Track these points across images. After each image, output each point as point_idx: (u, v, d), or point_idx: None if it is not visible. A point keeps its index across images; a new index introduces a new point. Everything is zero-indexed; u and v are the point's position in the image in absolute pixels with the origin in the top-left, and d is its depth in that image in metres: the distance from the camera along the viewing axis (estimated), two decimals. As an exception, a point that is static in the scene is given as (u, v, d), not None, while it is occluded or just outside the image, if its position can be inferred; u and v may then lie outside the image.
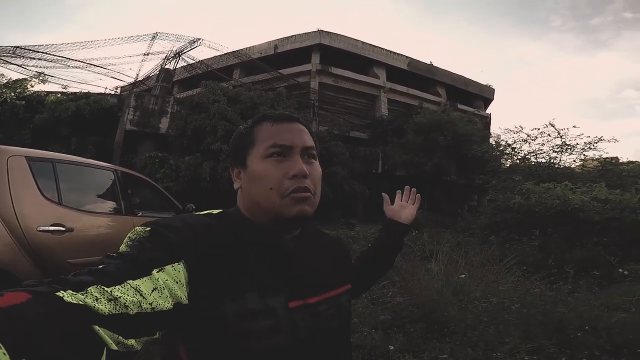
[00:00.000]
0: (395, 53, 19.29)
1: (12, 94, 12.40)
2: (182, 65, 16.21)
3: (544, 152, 10.94)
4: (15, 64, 14.35)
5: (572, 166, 10.87)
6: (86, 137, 11.89)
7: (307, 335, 0.60)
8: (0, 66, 14.48)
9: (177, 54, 15.39)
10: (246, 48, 18.31)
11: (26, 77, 13.53)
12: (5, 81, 12.89)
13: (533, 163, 11.13)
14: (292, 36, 18.01)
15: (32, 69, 14.31)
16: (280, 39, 18.18)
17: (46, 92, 13.48)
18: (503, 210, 8.34)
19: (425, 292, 3.15)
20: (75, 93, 13.43)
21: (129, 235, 0.55)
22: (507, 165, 12.14)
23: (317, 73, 16.85)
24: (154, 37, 15.52)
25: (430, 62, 20.55)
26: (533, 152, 11.23)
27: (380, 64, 18.79)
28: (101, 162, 3.27)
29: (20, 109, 12.11)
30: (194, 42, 15.44)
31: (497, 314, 2.83)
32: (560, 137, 10.54)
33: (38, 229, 2.27)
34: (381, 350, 2.49)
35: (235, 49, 17.62)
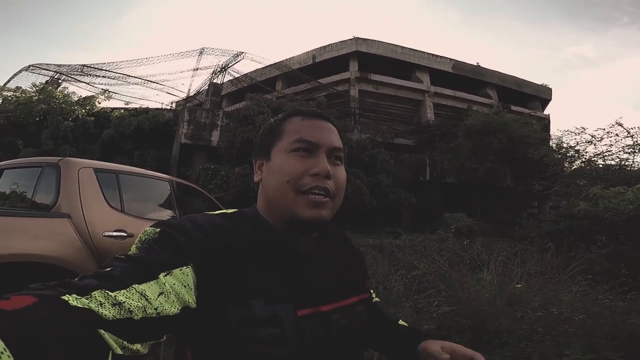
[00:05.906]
0: (438, 56, 18.74)
1: (83, 110, 13.55)
2: (228, 79, 17.12)
3: (613, 154, 9.90)
4: (84, 82, 16.15)
5: (651, 168, 9.68)
6: (147, 151, 12.85)
7: (315, 345, 0.56)
8: (71, 84, 16.30)
9: (223, 68, 16.27)
10: (286, 59, 18.82)
11: (93, 94, 14.85)
12: (77, 99, 14.20)
13: (600, 166, 10.10)
14: (328, 45, 18.17)
15: (98, 86, 15.97)
16: (318, 48, 18.44)
17: (111, 108, 14.69)
18: (566, 217, 7.65)
19: (474, 302, 2.97)
20: (136, 109, 14.54)
21: (139, 236, 0.54)
22: (570, 170, 11.13)
23: (356, 80, 16.83)
24: (201, 53, 16.63)
25: (477, 63, 19.68)
26: (600, 154, 10.19)
27: (422, 67, 18.36)
28: (158, 173, 3.53)
29: (90, 124, 13.22)
30: (238, 55, 16.25)
31: (556, 325, 2.58)
32: (631, 136, 9.49)
33: (103, 234, 2.48)
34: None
35: (276, 61, 18.16)
